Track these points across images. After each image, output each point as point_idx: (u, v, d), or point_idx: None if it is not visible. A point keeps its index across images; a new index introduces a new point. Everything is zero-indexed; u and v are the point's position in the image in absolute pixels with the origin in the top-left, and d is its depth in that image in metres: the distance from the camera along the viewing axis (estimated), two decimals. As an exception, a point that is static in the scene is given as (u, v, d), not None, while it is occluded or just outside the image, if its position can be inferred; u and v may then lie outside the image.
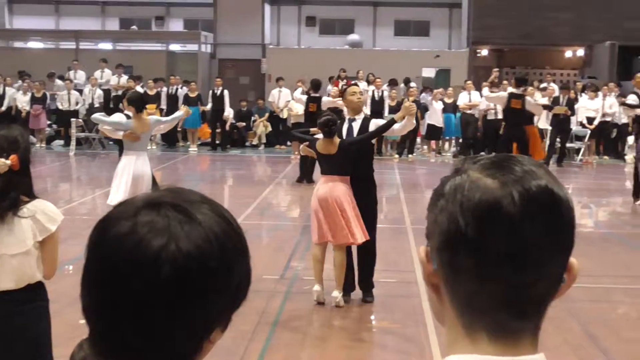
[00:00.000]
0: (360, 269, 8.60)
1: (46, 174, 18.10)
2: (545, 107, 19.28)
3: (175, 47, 31.42)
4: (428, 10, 32.02)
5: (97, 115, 10.35)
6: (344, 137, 8.46)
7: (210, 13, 30.43)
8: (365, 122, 8.60)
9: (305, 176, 17.32)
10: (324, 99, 17.35)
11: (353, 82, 23.72)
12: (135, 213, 1.27)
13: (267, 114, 24.75)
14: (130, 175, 9.62)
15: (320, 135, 8.39)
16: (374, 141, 9.30)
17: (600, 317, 8.13)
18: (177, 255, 1.23)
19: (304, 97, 17.86)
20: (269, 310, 8.08)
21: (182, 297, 1.24)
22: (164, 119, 11.38)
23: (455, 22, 31.40)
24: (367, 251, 8.51)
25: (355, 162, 8.34)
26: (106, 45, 31.55)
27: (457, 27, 31.17)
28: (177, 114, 11.23)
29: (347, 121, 8.64)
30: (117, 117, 10.18)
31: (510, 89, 16.68)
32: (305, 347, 7.43)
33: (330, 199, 8.09)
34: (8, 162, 4.35)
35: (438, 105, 22.99)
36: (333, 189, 8.14)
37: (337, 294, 8.20)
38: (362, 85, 23.78)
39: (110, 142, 24.14)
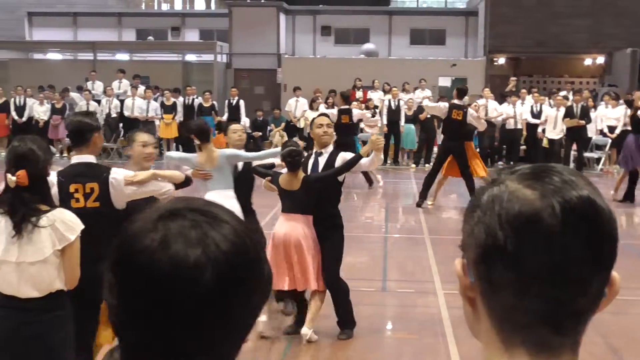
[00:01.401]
0: (335, 308, 7.84)
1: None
2: (488, 122, 18.89)
3: (191, 57, 31.48)
4: (444, 18, 31.96)
5: (169, 153, 9.04)
6: (309, 172, 7.65)
7: (225, 23, 30.49)
8: (333, 156, 7.74)
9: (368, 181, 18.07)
10: (355, 110, 17.42)
11: (369, 91, 23.82)
12: (158, 224, 1.25)
13: (283, 124, 24.75)
14: None
15: (284, 170, 7.59)
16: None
17: (622, 330, 8.04)
18: (219, 256, 1.23)
19: (335, 111, 17.94)
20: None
21: (227, 297, 1.24)
22: (245, 154, 8.62)
23: (471, 31, 31.29)
24: (336, 290, 7.70)
25: (320, 201, 7.58)
26: (123, 56, 31.67)
27: (474, 35, 31.07)
28: (274, 149, 9.03)
29: (313, 155, 7.82)
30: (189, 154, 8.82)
31: (453, 100, 16.27)
32: (322, 357, 7.40)
33: (286, 243, 7.37)
34: (14, 178, 4.36)
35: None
36: (292, 230, 7.39)
37: (306, 330, 7.48)
38: (378, 94, 23.79)
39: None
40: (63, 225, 4.43)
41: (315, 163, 7.74)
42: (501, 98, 23.21)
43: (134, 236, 1.26)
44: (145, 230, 1.25)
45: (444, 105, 15.82)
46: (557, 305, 1.19)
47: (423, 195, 15.45)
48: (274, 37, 30.26)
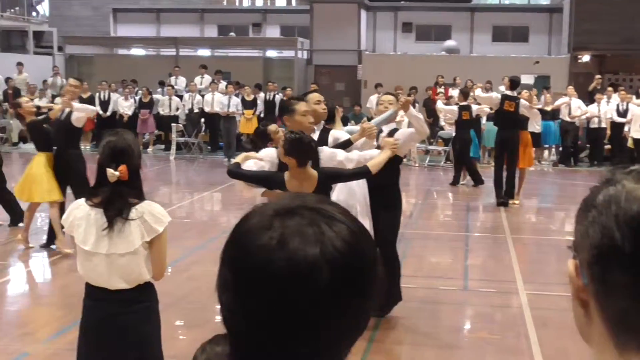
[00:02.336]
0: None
1: (147, 177, 18.42)
2: (541, 111, 18.59)
3: (271, 53, 31.65)
4: (527, 15, 31.49)
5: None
6: None
7: (306, 19, 30.57)
8: (324, 134, 7.03)
9: (477, 179, 18.00)
10: (474, 106, 17.35)
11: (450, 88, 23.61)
12: (274, 221, 1.24)
13: (363, 120, 24.69)
14: None
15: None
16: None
17: None
18: (336, 255, 1.21)
19: (455, 107, 17.90)
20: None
21: (341, 297, 1.22)
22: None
23: (555, 27, 30.75)
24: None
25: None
26: (205, 52, 31.98)
27: (558, 32, 30.53)
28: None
29: None
30: None
31: (504, 91, 16.02)
32: (403, 356, 7.37)
33: None
34: (117, 173, 4.44)
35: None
36: None
37: None
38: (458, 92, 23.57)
39: (209, 148, 24.44)
40: (152, 217, 4.49)
41: None
42: (589, 98, 22.76)
43: (251, 233, 1.24)
44: (262, 228, 1.23)
45: (496, 96, 15.71)
46: None
47: (499, 194, 15.31)
48: (354, 34, 30.22)
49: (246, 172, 6.31)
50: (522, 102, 15.13)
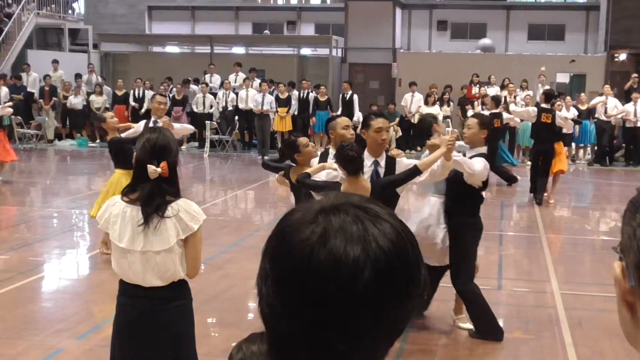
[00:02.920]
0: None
1: (182, 175, 18.46)
2: (575, 121, 18.47)
3: (306, 51, 31.63)
4: (563, 13, 31.23)
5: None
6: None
7: (341, 17, 30.53)
8: (390, 164, 6.65)
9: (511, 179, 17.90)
10: (505, 114, 17.32)
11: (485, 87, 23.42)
12: (319, 216, 1.22)
13: (397, 119, 24.61)
14: None
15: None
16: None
17: None
18: (379, 255, 1.19)
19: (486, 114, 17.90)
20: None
21: (383, 297, 1.20)
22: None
23: (592, 26, 30.46)
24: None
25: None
26: (239, 50, 32.04)
27: (594, 30, 30.24)
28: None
29: (372, 164, 6.59)
30: None
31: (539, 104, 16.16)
32: (437, 356, 7.34)
33: None
34: (159, 169, 4.45)
35: (568, 114, 22.31)
36: None
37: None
38: (495, 90, 23.43)
39: (243, 145, 24.49)
40: (187, 215, 4.49)
41: (376, 174, 6.60)
42: (626, 97, 22.54)
43: (294, 227, 1.22)
44: (305, 222, 1.22)
45: (532, 109, 15.84)
46: None
47: (533, 182, 15.62)
48: (389, 32, 30.13)
49: (310, 182, 6.46)
50: (558, 113, 15.41)
